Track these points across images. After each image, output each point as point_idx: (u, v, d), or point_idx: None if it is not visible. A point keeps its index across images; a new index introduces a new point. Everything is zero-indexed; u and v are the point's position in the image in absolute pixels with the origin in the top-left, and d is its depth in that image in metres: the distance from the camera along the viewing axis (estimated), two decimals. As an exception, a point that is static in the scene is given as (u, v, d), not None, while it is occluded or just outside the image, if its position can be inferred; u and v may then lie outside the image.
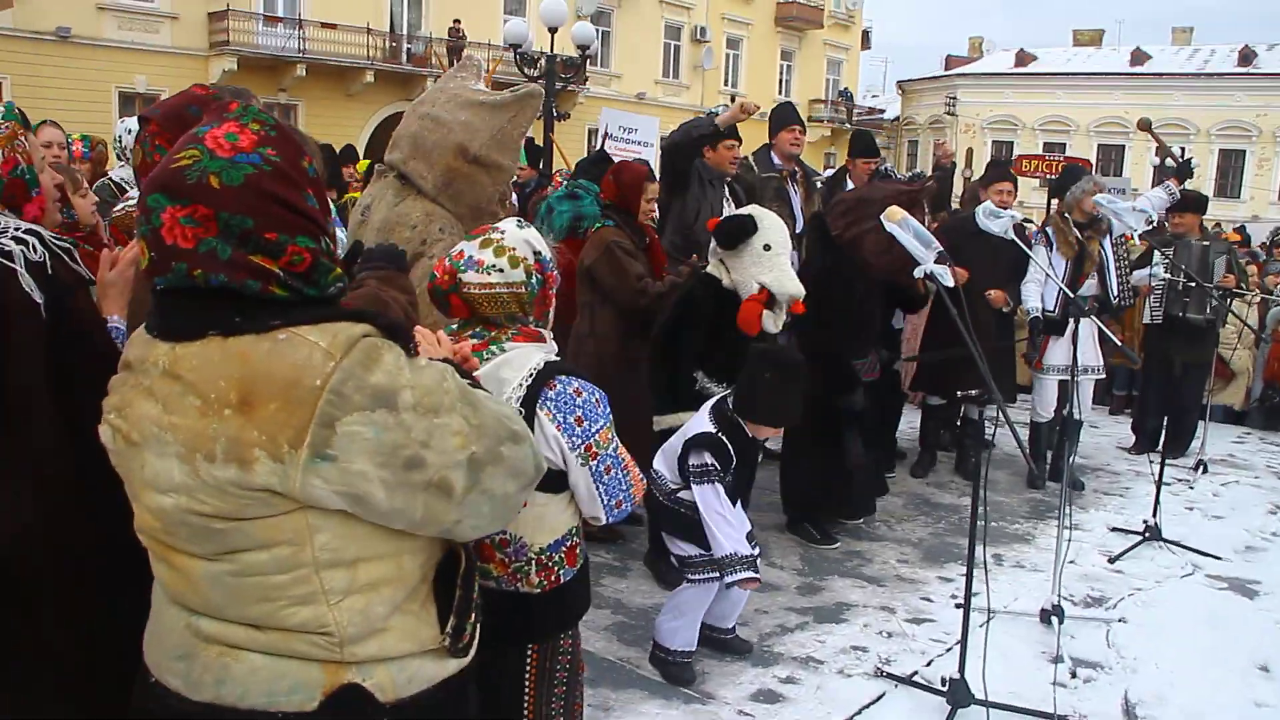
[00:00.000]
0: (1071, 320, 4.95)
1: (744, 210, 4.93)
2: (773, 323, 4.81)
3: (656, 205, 5.64)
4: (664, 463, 4.16)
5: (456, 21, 28.76)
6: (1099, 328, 5.27)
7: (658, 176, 6.18)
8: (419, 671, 1.80)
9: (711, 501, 3.93)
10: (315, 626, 1.69)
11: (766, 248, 4.73)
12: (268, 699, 1.70)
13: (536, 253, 2.56)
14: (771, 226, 4.80)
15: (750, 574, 3.89)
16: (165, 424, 1.63)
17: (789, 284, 4.74)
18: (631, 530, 5.56)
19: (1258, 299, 9.40)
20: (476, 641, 1.93)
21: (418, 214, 3.41)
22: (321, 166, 1.86)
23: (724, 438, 3.98)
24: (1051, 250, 6.85)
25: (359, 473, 1.61)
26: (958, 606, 3.94)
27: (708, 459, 3.94)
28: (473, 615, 1.90)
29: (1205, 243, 7.84)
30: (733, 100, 6.71)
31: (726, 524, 3.90)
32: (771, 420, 4.17)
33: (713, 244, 4.92)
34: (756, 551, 3.97)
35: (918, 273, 3.88)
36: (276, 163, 1.65)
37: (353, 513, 1.66)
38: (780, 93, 40.46)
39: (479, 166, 3.46)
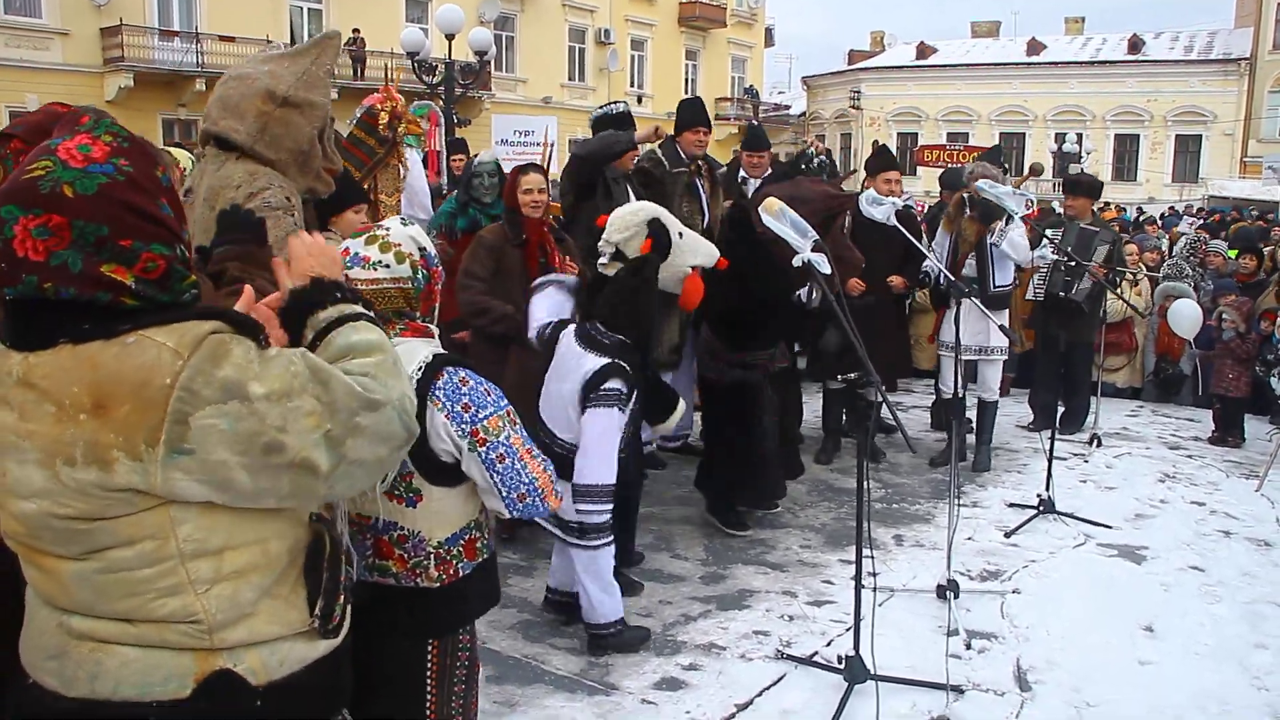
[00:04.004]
0: (953, 301, 5.07)
1: (641, 217, 4.83)
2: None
3: (555, 205, 5.66)
4: (559, 423, 4.24)
5: (356, 31, 28.45)
6: (979, 305, 5.42)
7: (564, 178, 6.29)
8: (290, 654, 1.85)
9: (613, 426, 4.07)
10: (184, 616, 1.74)
11: (680, 235, 4.79)
12: (141, 690, 1.75)
13: (421, 248, 2.60)
14: (666, 215, 4.83)
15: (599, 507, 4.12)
16: (23, 431, 1.67)
17: (710, 250, 4.81)
18: (531, 531, 5.56)
19: (1143, 275, 9.71)
20: (348, 622, 1.99)
21: (240, 174, 3.38)
22: (177, 177, 1.89)
23: (624, 365, 4.13)
24: (938, 228, 7.11)
25: (219, 462, 1.67)
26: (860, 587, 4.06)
27: (621, 386, 4.08)
28: (341, 596, 1.95)
29: (1095, 228, 8.08)
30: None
31: (612, 454, 4.06)
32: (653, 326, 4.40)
33: (610, 255, 4.83)
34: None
35: (796, 261, 3.97)
36: (130, 172, 1.69)
37: (220, 500, 1.71)
38: (686, 91, 40.65)
39: (290, 107, 3.45)
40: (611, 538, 4.26)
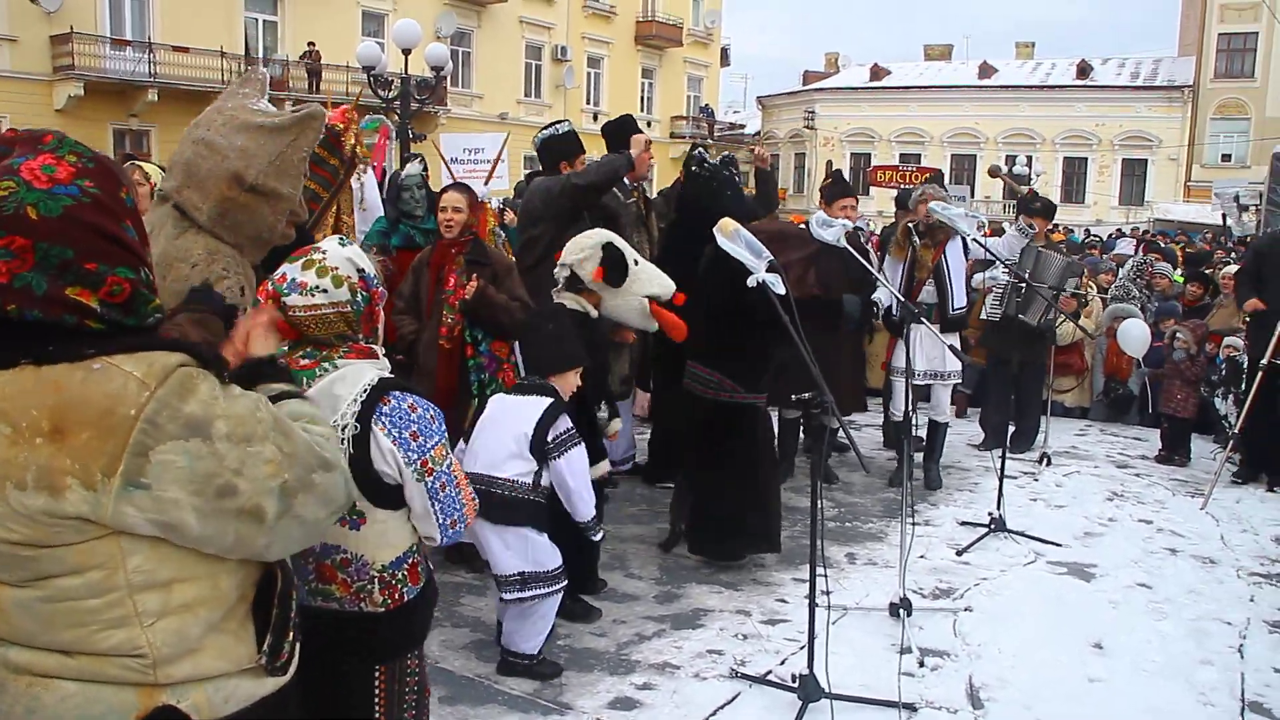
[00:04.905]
0: (908, 325, 5.10)
1: (595, 239, 4.84)
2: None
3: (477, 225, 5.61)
4: (508, 466, 4.11)
5: (311, 44, 28.30)
6: (934, 331, 5.47)
7: (542, 205, 6.02)
8: (236, 691, 1.81)
9: (582, 465, 4.16)
10: (128, 649, 1.69)
11: (636, 262, 4.82)
12: None
13: (360, 270, 2.53)
14: (621, 241, 4.86)
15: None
16: None
17: (667, 282, 4.85)
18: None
19: (1094, 296, 9.85)
20: (295, 660, 1.95)
21: (199, 250, 3.19)
22: (146, 194, 1.86)
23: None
24: (886, 255, 7.14)
25: (172, 500, 1.63)
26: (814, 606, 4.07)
27: (569, 424, 4.12)
28: (290, 634, 1.91)
29: (1068, 259, 8.15)
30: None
31: (589, 488, 4.20)
32: (574, 362, 4.30)
33: (564, 280, 4.83)
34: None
35: (751, 281, 3.99)
36: (95, 194, 1.66)
37: (168, 537, 1.68)
38: (642, 110, 40.86)
39: (257, 195, 3.23)
40: (563, 584, 4.25)
